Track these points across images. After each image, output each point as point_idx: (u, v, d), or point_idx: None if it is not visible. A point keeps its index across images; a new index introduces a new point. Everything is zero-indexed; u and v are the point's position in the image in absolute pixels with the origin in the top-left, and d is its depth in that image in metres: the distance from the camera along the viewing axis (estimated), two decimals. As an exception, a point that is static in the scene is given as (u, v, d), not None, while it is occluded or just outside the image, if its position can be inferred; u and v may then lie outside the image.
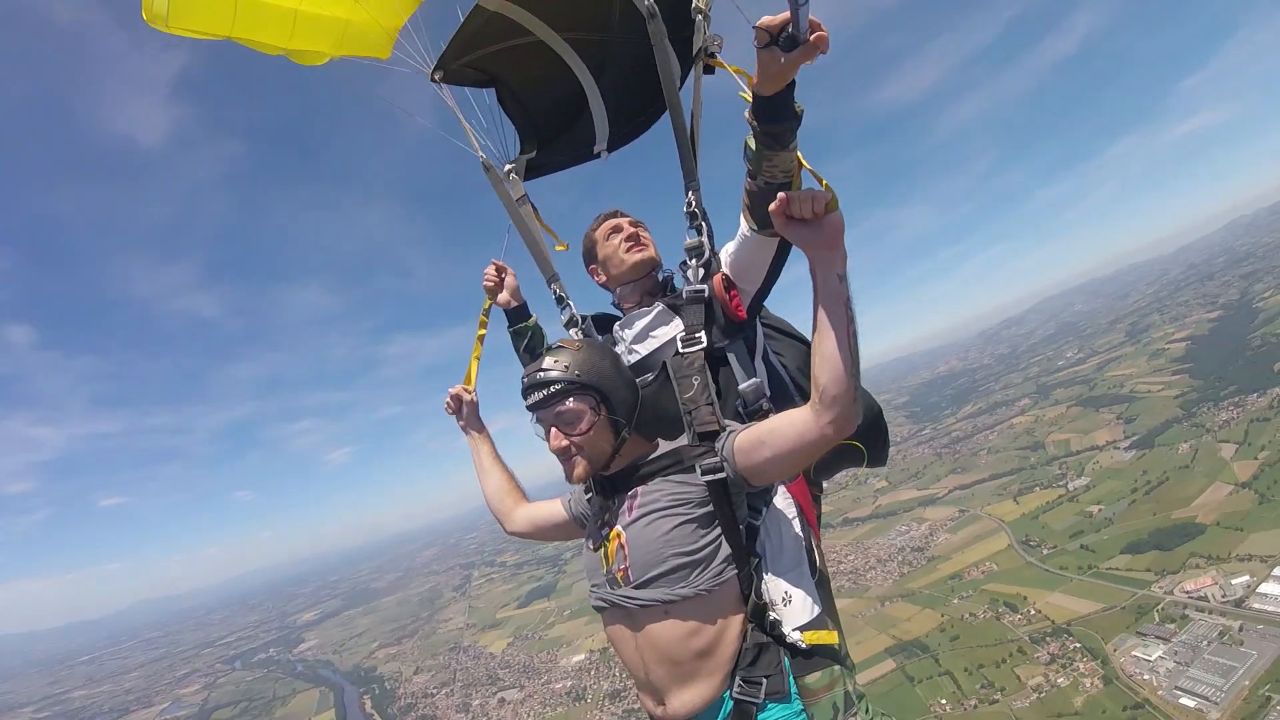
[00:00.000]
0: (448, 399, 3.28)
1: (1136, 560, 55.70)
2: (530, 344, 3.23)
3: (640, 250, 2.87)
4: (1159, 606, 48.94)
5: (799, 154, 2.03)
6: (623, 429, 2.33)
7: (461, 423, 3.26)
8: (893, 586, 69.20)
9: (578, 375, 2.25)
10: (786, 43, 1.75)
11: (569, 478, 2.34)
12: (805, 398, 1.99)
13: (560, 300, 3.13)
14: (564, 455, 2.30)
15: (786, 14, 1.71)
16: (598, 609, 2.36)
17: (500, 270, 3.29)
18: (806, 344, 2.58)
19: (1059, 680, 45.65)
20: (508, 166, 3.30)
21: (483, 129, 3.25)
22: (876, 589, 69.81)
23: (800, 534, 2.38)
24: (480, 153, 3.21)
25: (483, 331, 3.40)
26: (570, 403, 2.25)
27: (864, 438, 2.68)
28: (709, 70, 2.70)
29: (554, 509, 2.87)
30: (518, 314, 3.31)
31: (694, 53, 2.76)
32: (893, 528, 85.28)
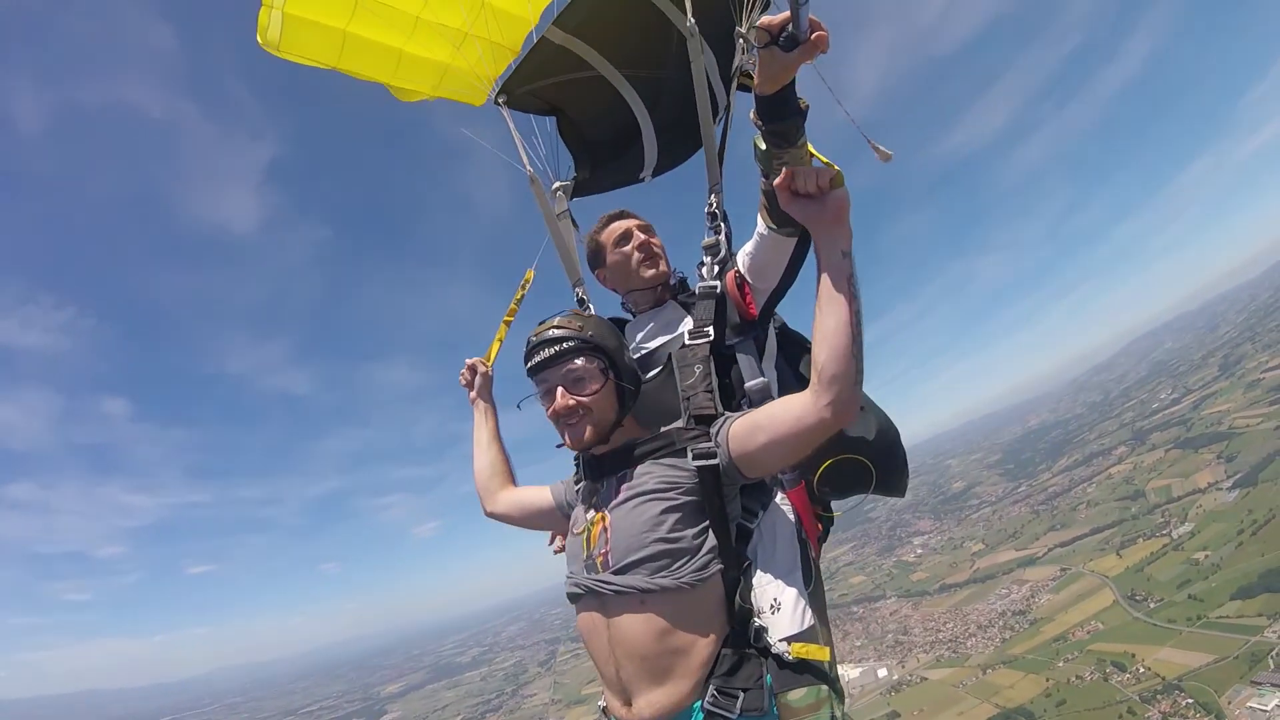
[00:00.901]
0: (464, 369, 3.26)
1: (1247, 605, 52.26)
2: None
3: (653, 265, 2.84)
4: (1273, 652, 45.82)
5: (809, 146, 2.02)
6: (628, 398, 2.30)
7: (473, 395, 3.20)
8: (994, 653, 66.13)
9: (590, 336, 2.21)
10: (786, 42, 1.73)
11: (573, 442, 2.27)
12: None
13: (582, 303, 3.19)
14: (569, 417, 2.21)
15: (786, 14, 1.70)
16: (572, 597, 2.23)
17: (473, 369, 3.27)
18: None
19: (1172, 739, 42.70)
20: (556, 185, 3.36)
21: (539, 154, 3.34)
22: (977, 657, 66.86)
23: (796, 542, 2.30)
24: (529, 167, 3.26)
25: (509, 319, 3.39)
26: (580, 361, 2.19)
27: (876, 459, 2.45)
28: (745, 88, 2.71)
29: (539, 494, 2.76)
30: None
31: (731, 70, 2.85)
32: (992, 592, 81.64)
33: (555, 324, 2.26)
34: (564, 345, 2.20)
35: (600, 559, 2.11)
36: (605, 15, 3.01)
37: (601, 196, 3.70)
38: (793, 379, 2.68)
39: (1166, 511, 76.89)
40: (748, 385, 2.49)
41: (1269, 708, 41.13)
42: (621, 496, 2.15)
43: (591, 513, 2.26)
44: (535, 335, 2.27)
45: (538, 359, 2.23)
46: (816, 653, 2.04)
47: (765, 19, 1.78)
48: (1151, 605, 61.06)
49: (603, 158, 3.51)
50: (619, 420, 2.29)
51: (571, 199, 3.43)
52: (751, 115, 2.02)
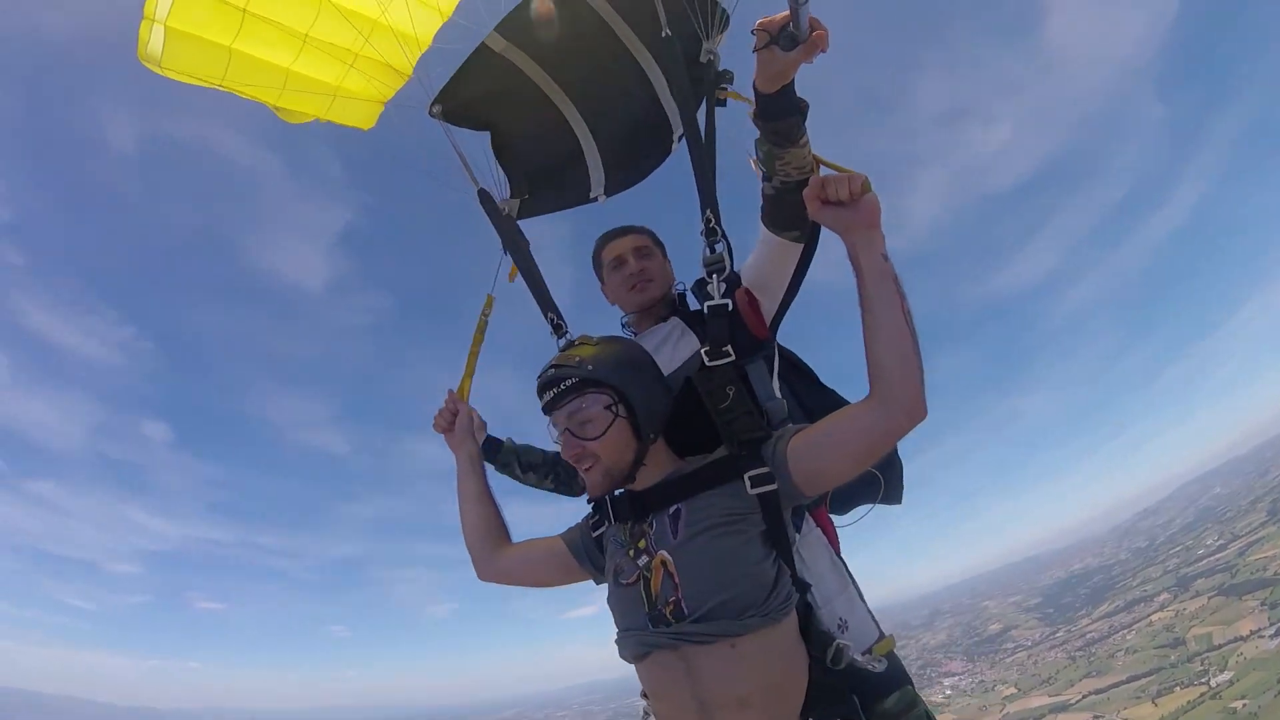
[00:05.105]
0: (440, 412, 2.79)
1: (1282, 756, 48.87)
2: (524, 460, 2.89)
3: (643, 292, 2.64)
4: (1304, 803, 42.53)
5: (815, 153, 1.98)
6: (646, 433, 1.99)
7: (454, 439, 2.71)
8: (1017, 800, 61.96)
9: (590, 370, 1.94)
10: (786, 42, 1.69)
11: (588, 490, 2.04)
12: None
13: (559, 329, 2.75)
14: (581, 463, 1.97)
15: (786, 13, 1.66)
16: (637, 655, 1.91)
17: (453, 410, 2.79)
18: (818, 380, 2.56)
19: None
20: (502, 202, 3.10)
21: (478, 171, 3.07)
22: (998, 803, 62.65)
23: (835, 560, 2.17)
24: (478, 183, 3.01)
25: (476, 348, 3.01)
26: (584, 401, 1.94)
27: (881, 467, 2.31)
28: (720, 104, 2.57)
29: (548, 546, 2.39)
30: (491, 447, 2.86)
31: (705, 85, 2.66)
32: (1020, 737, 76.91)
33: (555, 360, 2.04)
34: (561, 386, 1.96)
35: (670, 608, 1.82)
36: (549, 26, 2.84)
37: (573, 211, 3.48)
38: (795, 404, 2.49)
39: (1206, 659, 72.59)
40: (765, 405, 2.26)
41: None
42: (682, 536, 1.89)
43: (644, 557, 1.95)
44: (540, 376, 2.05)
45: (543, 403, 2.02)
46: (889, 644, 2.00)
47: (764, 19, 1.75)
48: (1185, 755, 56.91)
49: (541, 179, 3.23)
50: (639, 458, 2.01)
51: (518, 220, 3.19)
52: (751, 114, 1.98)
